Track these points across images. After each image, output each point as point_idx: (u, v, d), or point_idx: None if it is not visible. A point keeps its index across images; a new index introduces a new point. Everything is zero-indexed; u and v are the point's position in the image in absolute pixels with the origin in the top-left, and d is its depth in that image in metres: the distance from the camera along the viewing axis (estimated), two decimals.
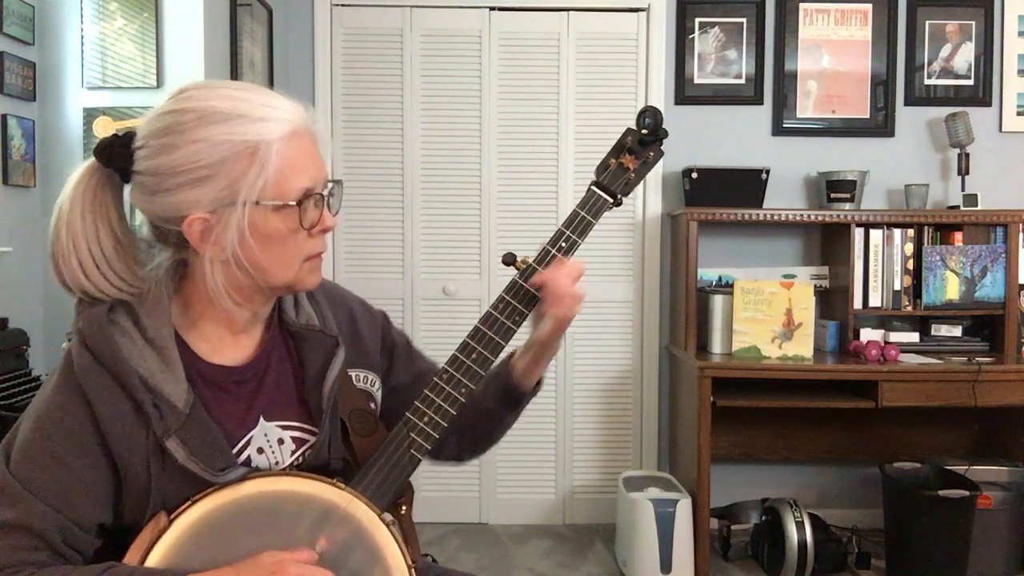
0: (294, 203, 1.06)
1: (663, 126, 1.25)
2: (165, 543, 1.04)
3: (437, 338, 3.60)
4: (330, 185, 1.12)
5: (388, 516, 1.14)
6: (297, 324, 1.20)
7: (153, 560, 1.03)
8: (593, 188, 1.25)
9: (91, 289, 1.07)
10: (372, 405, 1.26)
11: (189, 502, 1.06)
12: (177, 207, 1.05)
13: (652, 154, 1.27)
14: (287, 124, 1.06)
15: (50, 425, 1.03)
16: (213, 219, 1.05)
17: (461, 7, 3.59)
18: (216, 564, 1.02)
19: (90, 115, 2.71)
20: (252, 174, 1.03)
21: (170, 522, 1.05)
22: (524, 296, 1.22)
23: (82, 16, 2.69)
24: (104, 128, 2.70)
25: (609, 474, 3.65)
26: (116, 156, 1.07)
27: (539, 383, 1.34)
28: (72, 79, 2.72)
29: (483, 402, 1.32)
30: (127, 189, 1.11)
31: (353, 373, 1.25)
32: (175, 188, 1.04)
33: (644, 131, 1.25)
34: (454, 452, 1.39)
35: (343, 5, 3.60)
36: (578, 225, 1.23)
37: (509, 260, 1.24)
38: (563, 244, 1.23)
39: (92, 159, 1.09)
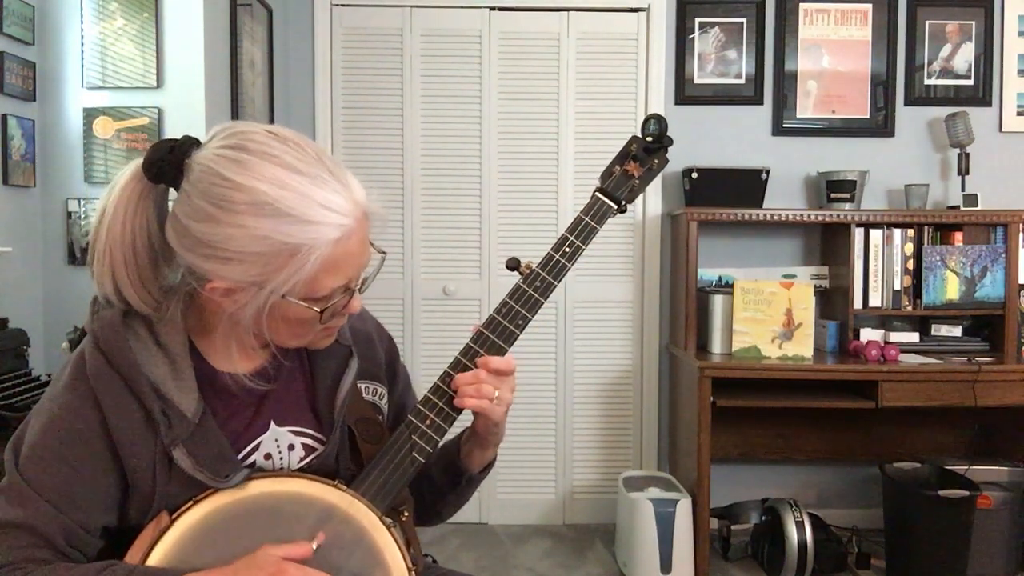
0: (318, 309, 1.05)
1: (668, 134, 1.25)
2: (166, 542, 1.04)
3: (437, 338, 3.60)
4: (369, 269, 1.10)
5: (388, 520, 1.14)
6: None
7: (154, 559, 1.04)
8: (597, 195, 1.25)
9: (115, 298, 1.07)
10: (380, 417, 1.26)
11: (191, 502, 1.06)
12: (204, 271, 1.03)
13: (657, 161, 1.26)
14: (338, 230, 1.01)
15: (60, 427, 1.04)
16: (237, 290, 1.03)
17: (461, 7, 3.58)
18: (217, 564, 1.02)
19: (90, 115, 2.71)
20: (286, 273, 1.00)
21: (172, 522, 1.05)
22: (528, 301, 1.22)
23: (82, 16, 2.69)
24: (104, 128, 2.70)
25: (609, 474, 3.66)
26: (165, 175, 1.04)
27: (487, 467, 1.30)
28: (72, 79, 2.72)
29: (432, 470, 1.29)
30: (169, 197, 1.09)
31: (363, 385, 1.25)
32: (204, 257, 1.01)
33: (649, 138, 1.25)
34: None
35: (343, 5, 3.60)
36: (582, 231, 1.23)
37: (513, 265, 1.24)
38: (567, 250, 1.23)
39: (138, 164, 1.06)
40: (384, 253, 1.13)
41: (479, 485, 1.33)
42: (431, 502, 1.32)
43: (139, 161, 1.06)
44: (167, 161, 1.03)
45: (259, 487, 1.09)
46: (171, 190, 1.07)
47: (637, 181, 1.26)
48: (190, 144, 1.04)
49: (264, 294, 1.02)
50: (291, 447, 1.16)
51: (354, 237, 1.03)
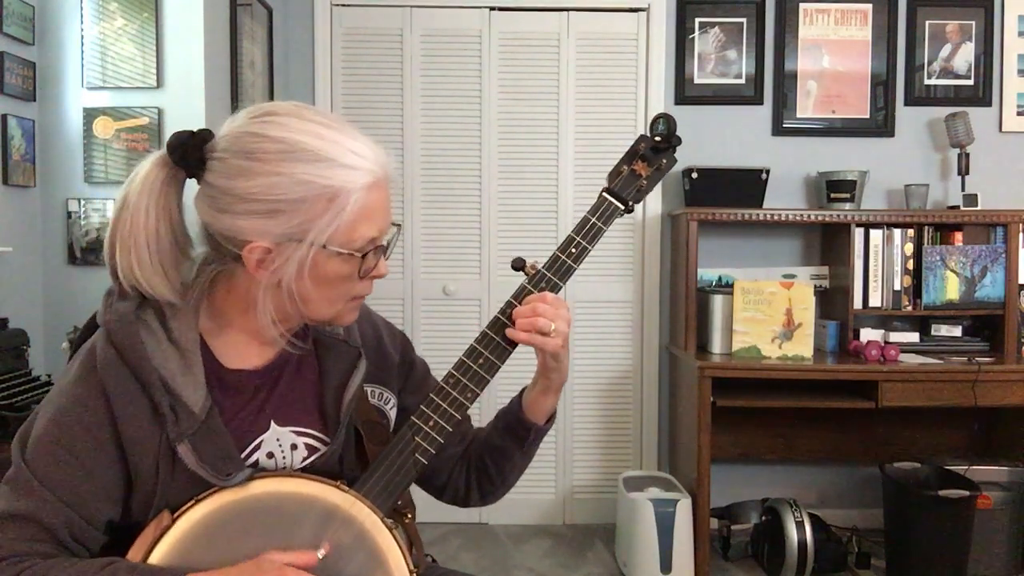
0: (358, 254, 1.06)
1: (676, 133, 1.24)
2: (168, 541, 1.04)
3: (437, 338, 3.59)
4: (392, 231, 1.12)
5: (390, 521, 1.14)
6: (321, 332, 1.20)
7: (156, 558, 1.03)
8: (604, 195, 1.24)
9: (142, 284, 1.07)
10: (384, 422, 1.26)
11: (193, 500, 1.06)
12: (242, 231, 1.04)
13: (665, 161, 1.26)
14: (370, 175, 1.05)
15: (68, 419, 1.04)
16: (275, 250, 1.04)
17: (461, 7, 3.58)
18: (218, 563, 1.02)
19: (90, 115, 2.70)
20: (326, 219, 1.03)
21: (173, 520, 1.05)
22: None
23: (82, 16, 2.68)
24: (104, 128, 2.70)
25: (609, 474, 3.66)
26: (189, 157, 1.06)
27: (551, 419, 1.32)
28: (72, 79, 2.71)
29: (493, 439, 1.31)
30: (189, 185, 1.10)
31: (369, 389, 1.24)
32: (245, 213, 1.03)
33: (657, 138, 1.24)
34: (461, 492, 1.37)
35: (343, 5, 3.59)
36: (588, 231, 1.23)
37: (518, 265, 1.24)
38: (573, 250, 1.22)
39: (163, 151, 1.08)
40: (399, 225, 1.15)
41: (542, 440, 1.33)
42: (497, 471, 1.33)
43: (160, 152, 1.08)
44: (190, 144, 1.06)
45: (261, 486, 1.09)
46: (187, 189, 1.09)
47: (645, 181, 1.25)
48: (209, 133, 1.08)
49: (304, 248, 1.04)
50: (293, 447, 1.15)
51: (383, 188, 1.08)
